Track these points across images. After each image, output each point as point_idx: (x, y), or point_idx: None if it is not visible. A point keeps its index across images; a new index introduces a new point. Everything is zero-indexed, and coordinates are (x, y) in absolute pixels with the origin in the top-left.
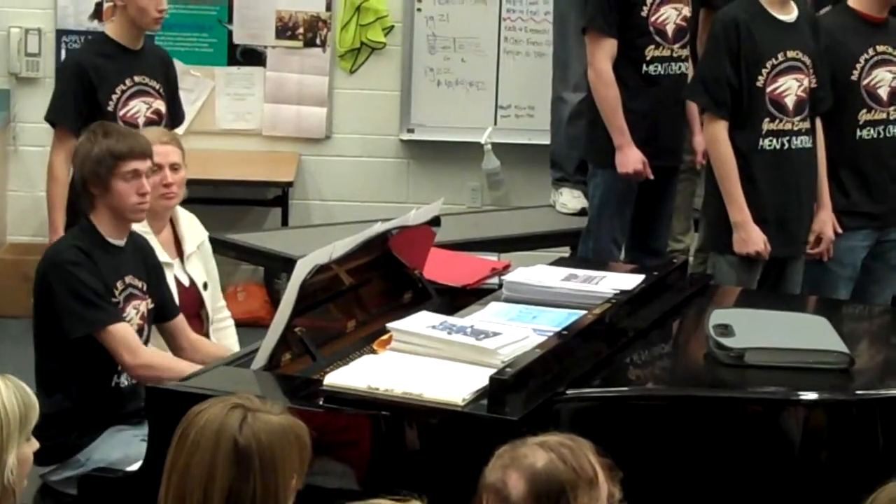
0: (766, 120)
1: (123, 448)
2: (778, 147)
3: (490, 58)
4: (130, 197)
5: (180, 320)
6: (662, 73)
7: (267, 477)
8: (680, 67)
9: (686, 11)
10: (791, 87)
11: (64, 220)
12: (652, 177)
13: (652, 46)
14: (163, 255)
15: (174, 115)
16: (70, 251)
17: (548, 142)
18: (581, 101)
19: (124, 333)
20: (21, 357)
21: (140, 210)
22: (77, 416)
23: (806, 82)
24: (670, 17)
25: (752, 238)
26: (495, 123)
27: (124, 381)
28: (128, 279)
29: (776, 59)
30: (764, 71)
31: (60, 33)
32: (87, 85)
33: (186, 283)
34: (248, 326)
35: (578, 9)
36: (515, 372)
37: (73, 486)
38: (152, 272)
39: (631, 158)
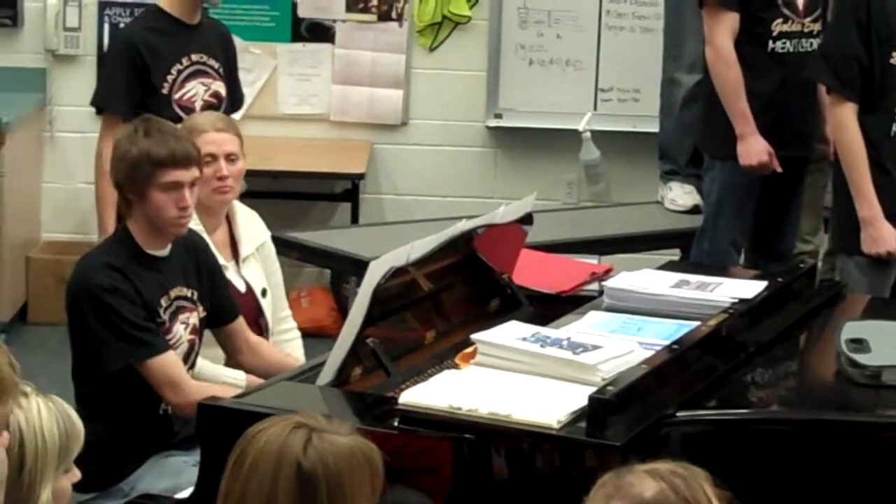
0: None
1: (172, 476)
2: None
3: (590, 34)
4: (169, 210)
5: (239, 322)
6: (791, 50)
7: None
8: (811, 44)
9: None
10: None
11: (115, 219)
12: (780, 169)
13: (779, 20)
14: (217, 256)
15: (233, 99)
16: (103, 274)
17: (655, 129)
18: (697, 83)
19: (168, 367)
20: (56, 370)
21: (180, 225)
22: (119, 444)
23: None
24: None
25: (882, 236)
26: (595, 108)
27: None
28: (174, 292)
29: None
30: None
31: (103, 5)
32: (140, 65)
33: (242, 288)
34: (313, 336)
35: None
36: (618, 391)
37: None
38: (205, 276)
39: (755, 148)
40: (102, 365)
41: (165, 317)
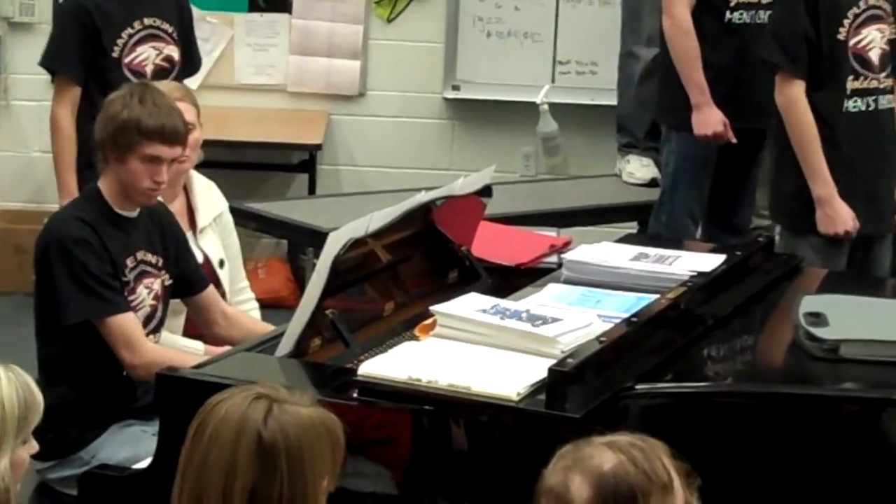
0: (850, 78)
1: (132, 445)
2: (864, 108)
3: (548, 6)
4: (143, 181)
5: (211, 293)
6: (748, 21)
7: (295, 476)
8: (769, 16)
9: None
10: (874, 39)
11: (76, 181)
12: (735, 140)
13: None
14: (180, 226)
15: (190, 62)
16: (74, 226)
17: (613, 102)
18: (654, 57)
19: (126, 327)
20: (13, 339)
21: (149, 197)
22: (82, 408)
23: (888, 32)
24: None
25: (839, 214)
26: (553, 81)
27: None
28: (139, 255)
29: (857, 7)
30: (846, 22)
31: None
32: (91, 27)
33: (200, 259)
34: (270, 307)
35: None
36: (577, 363)
37: (73, 485)
38: (171, 244)
39: (710, 119)
40: (61, 318)
41: (130, 277)
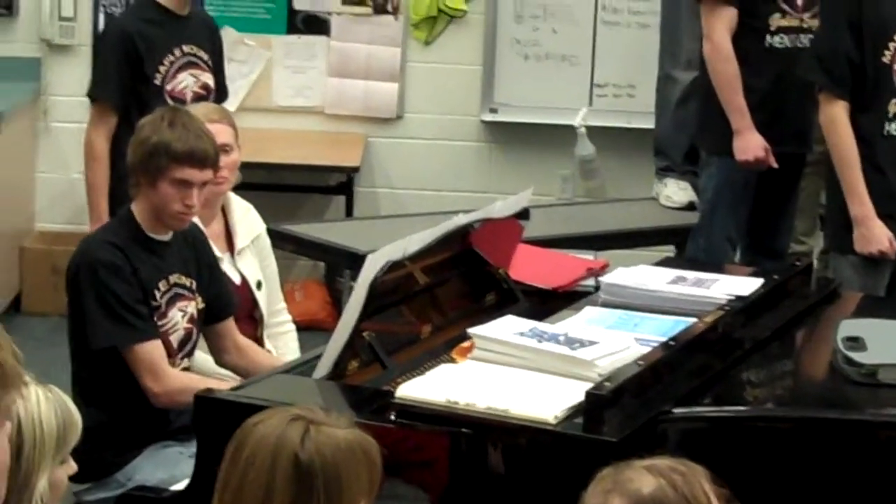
0: (893, 101)
1: (169, 467)
2: None
3: (585, 29)
4: (174, 204)
5: (231, 322)
6: (788, 45)
7: (331, 498)
8: (809, 40)
9: None
10: None
11: (107, 206)
12: (775, 165)
13: (777, 15)
14: (213, 249)
15: (217, 91)
16: (105, 250)
17: (651, 125)
18: (693, 80)
19: (151, 355)
20: (50, 360)
21: (181, 221)
22: (117, 430)
23: None
24: None
25: (874, 235)
26: (590, 104)
27: None
28: (173, 278)
29: None
30: (891, 45)
31: None
32: (134, 54)
33: (237, 281)
34: (307, 329)
35: None
36: (615, 387)
37: None
38: (204, 268)
39: (751, 144)
40: (90, 343)
41: (162, 301)
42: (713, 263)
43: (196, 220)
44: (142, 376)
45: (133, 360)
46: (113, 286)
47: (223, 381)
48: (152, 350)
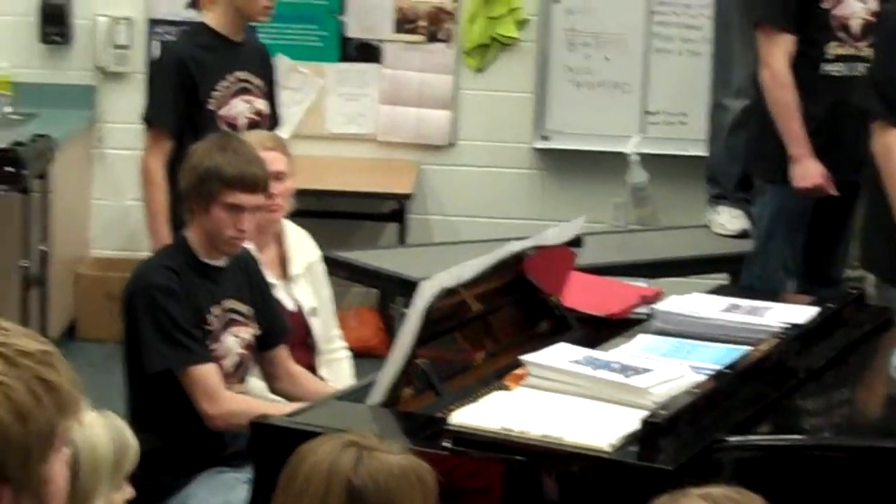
0: None
1: (224, 492)
2: None
3: (637, 57)
4: (227, 229)
5: (283, 348)
6: (846, 73)
7: None
8: (866, 68)
9: (873, 5)
10: None
11: (167, 230)
12: (835, 193)
13: (834, 43)
14: (266, 275)
15: (271, 118)
16: (160, 274)
17: (702, 153)
18: (744, 108)
19: (205, 377)
20: (106, 386)
21: (234, 246)
22: (172, 455)
23: None
24: (856, 10)
25: None
26: (642, 131)
27: None
28: (227, 303)
29: None
30: None
31: (153, 23)
32: (188, 81)
33: (292, 307)
34: (360, 356)
35: (745, 1)
36: (670, 415)
37: None
38: (258, 294)
39: (810, 171)
40: (145, 366)
41: (216, 326)
42: (768, 291)
43: (250, 245)
44: (198, 399)
45: (189, 382)
46: (168, 309)
47: (278, 405)
48: (208, 373)
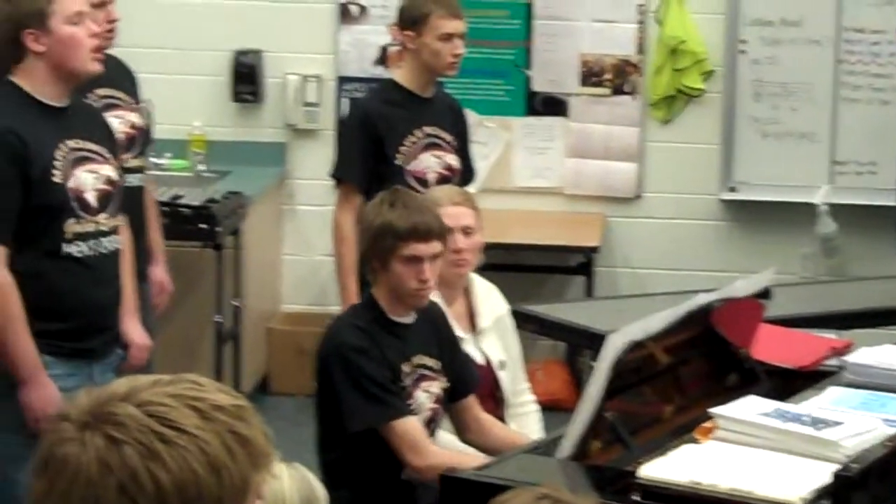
0: None
1: None
2: None
3: (824, 106)
4: (409, 282)
5: (471, 398)
6: None
7: None
8: None
9: None
10: None
11: (357, 286)
12: None
13: None
14: (454, 328)
15: (464, 173)
16: (352, 334)
17: (893, 203)
18: None
19: (409, 430)
20: (295, 439)
21: (420, 297)
22: None
23: None
24: None
25: None
26: (831, 181)
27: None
28: (416, 359)
29: None
30: None
31: (342, 80)
32: (375, 136)
33: (480, 361)
34: (548, 409)
35: None
36: (862, 468)
37: None
38: (446, 347)
39: None
40: (346, 425)
41: (407, 383)
42: None
43: (438, 299)
44: (403, 452)
45: (392, 437)
46: (364, 367)
47: (477, 457)
48: (410, 426)
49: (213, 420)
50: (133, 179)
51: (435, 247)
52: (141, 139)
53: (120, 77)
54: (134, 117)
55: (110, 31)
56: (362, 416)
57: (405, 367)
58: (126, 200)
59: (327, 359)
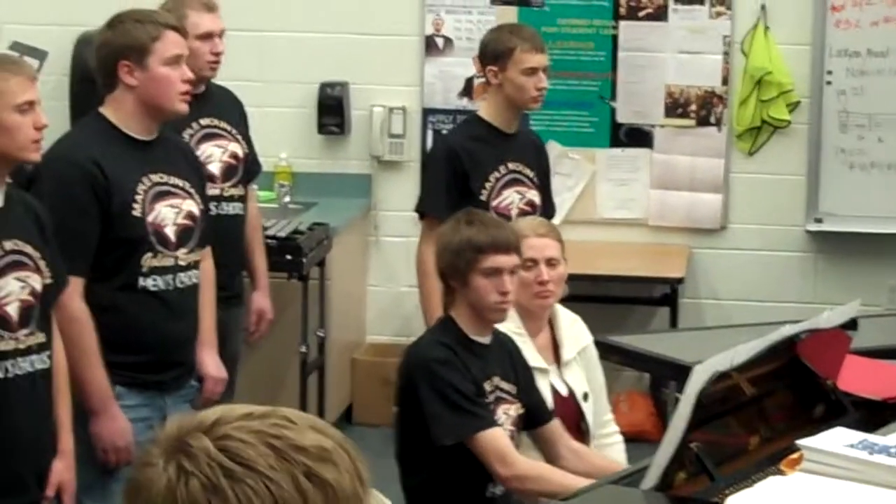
0: None
1: None
2: None
3: None
4: (490, 295)
5: (556, 425)
6: None
7: None
8: None
9: None
10: None
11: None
12: None
13: None
14: (538, 360)
15: (545, 208)
16: (436, 348)
17: None
18: None
19: (497, 441)
20: (380, 471)
21: (500, 311)
22: None
23: None
24: None
25: None
26: None
27: (499, 490)
28: (495, 380)
29: None
30: None
31: (427, 112)
32: (460, 170)
33: (564, 392)
34: (632, 441)
35: None
36: None
37: None
38: (521, 373)
39: None
40: (433, 439)
41: (490, 400)
42: None
43: (521, 332)
44: (491, 463)
45: (480, 447)
46: (451, 379)
47: (570, 476)
48: (497, 436)
49: (290, 461)
50: (231, 208)
51: (514, 259)
52: (241, 169)
53: (226, 107)
54: (235, 147)
55: (215, 62)
56: (451, 428)
57: (486, 386)
58: (223, 228)
59: (412, 375)
